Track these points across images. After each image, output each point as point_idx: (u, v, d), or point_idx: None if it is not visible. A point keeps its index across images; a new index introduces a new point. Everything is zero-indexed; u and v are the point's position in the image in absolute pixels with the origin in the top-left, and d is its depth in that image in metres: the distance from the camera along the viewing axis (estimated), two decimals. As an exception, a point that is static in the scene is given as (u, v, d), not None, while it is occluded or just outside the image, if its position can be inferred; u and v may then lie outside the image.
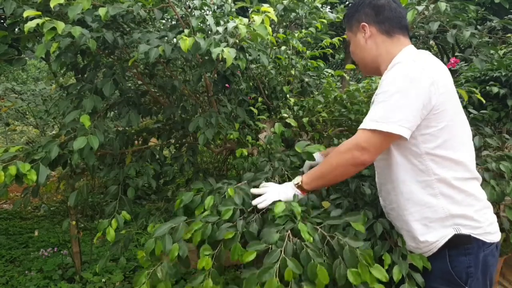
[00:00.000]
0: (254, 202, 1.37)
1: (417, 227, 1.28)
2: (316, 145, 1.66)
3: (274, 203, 1.34)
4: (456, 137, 1.26)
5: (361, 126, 1.25)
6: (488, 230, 1.27)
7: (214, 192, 1.49)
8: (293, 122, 1.96)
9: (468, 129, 1.34)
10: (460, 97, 2.21)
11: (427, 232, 1.27)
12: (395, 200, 1.34)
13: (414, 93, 1.18)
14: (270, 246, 1.20)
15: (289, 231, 1.24)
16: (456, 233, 1.25)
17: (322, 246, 1.24)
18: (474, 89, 2.13)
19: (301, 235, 1.22)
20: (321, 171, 1.35)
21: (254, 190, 1.43)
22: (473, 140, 1.92)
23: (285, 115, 2.05)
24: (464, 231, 1.25)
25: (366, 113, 1.64)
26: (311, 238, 1.21)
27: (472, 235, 1.25)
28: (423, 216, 1.27)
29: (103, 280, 2.86)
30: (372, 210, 1.44)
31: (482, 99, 2.11)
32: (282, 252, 1.17)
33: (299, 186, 1.40)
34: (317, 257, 1.17)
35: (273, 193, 1.39)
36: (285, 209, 1.30)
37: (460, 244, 1.25)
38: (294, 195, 1.39)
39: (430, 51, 5.57)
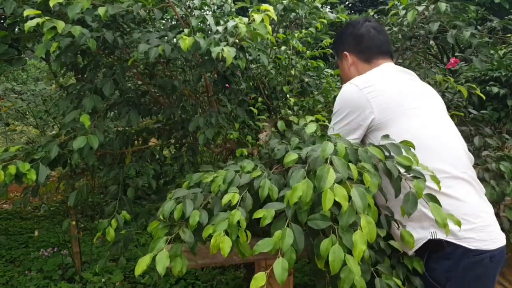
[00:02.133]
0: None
1: (405, 224, 1.28)
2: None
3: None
4: (421, 139, 1.27)
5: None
6: (471, 236, 1.21)
7: (229, 167, 1.40)
8: (295, 120, 1.96)
9: (440, 133, 1.35)
10: (460, 96, 2.21)
11: (411, 230, 1.25)
12: (380, 200, 1.35)
13: (347, 110, 1.37)
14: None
15: None
16: (432, 237, 1.23)
17: None
18: (474, 86, 2.13)
19: None
20: None
21: None
22: (473, 140, 1.93)
23: (289, 112, 2.06)
24: (440, 235, 1.22)
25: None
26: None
27: (451, 240, 1.21)
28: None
29: (103, 280, 2.86)
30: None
31: (482, 95, 2.11)
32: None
33: None
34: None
35: None
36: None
37: (439, 249, 1.24)
38: None
39: (430, 51, 5.57)
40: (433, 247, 1.24)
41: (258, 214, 1.08)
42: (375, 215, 1.02)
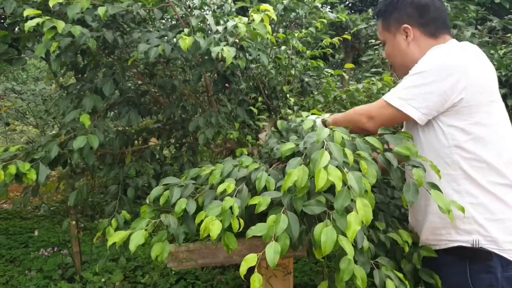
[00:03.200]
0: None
1: (434, 220, 1.21)
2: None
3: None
4: (491, 136, 1.16)
5: (384, 96, 1.25)
6: None
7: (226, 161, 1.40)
8: (292, 117, 1.96)
9: (508, 133, 1.22)
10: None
11: (443, 227, 1.20)
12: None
13: (438, 78, 1.14)
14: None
15: None
16: (475, 246, 1.14)
17: None
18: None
19: None
20: (338, 119, 1.38)
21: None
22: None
23: (288, 111, 2.06)
24: (484, 245, 1.14)
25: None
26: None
27: (494, 251, 1.14)
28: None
29: (103, 280, 2.86)
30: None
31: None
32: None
33: (324, 122, 1.42)
34: None
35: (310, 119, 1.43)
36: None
37: (480, 260, 1.15)
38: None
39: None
40: (473, 256, 1.16)
41: (254, 200, 1.08)
42: (372, 200, 1.01)
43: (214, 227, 1.03)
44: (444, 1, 1.95)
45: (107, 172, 1.93)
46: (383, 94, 1.94)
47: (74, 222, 2.72)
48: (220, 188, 1.14)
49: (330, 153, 1.02)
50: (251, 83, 2.24)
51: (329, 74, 2.51)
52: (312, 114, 1.61)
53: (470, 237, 1.15)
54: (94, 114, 1.66)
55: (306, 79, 2.42)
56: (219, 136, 1.88)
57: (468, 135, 1.16)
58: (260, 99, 2.17)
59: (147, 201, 1.25)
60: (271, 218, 1.00)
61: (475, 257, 1.16)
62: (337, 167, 0.99)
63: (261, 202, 1.07)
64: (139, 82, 2.19)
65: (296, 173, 1.01)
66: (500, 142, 1.18)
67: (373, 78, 2.14)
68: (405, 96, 1.19)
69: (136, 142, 2.15)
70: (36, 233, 3.70)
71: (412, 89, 1.18)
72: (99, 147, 1.56)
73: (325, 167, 0.97)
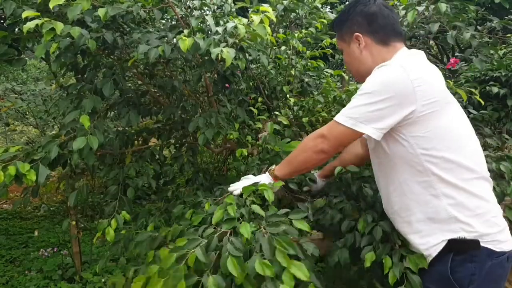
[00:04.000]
0: (230, 189, 1.44)
1: (420, 228, 1.25)
2: (293, 142, 1.69)
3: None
4: (452, 138, 1.22)
5: (335, 117, 1.28)
6: (498, 238, 1.20)
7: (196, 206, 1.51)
8: (284, 120, 1.96)
9: (468, 130, 1.29)
10: (460, 97, 2.21)
11: (430, 233, 1.24)
12: (398, 201, 1.31)
13: (384, 97, 1.18)
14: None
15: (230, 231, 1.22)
16: (460, 237, 1.19)
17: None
18: (473, 90, 2.13)
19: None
20: (289, 157, 1.41)
21: (232, 186, 1.48)
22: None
23: (277, 113, 2.06)
24: (470, 236, 1.19)
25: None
26: (249, 235, 1.17)
27: (480, 241, 1.19)
28: (426, 216, 1.24)
29: (103, 280, 2.86)
30: (373, 214, 1.43)
31: (481, 100, 2.11)
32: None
33: (271, 173, 1.44)
34: (236, 251, 1.13)
35: (248, 181, 1.44)
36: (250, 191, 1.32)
37: (466, 250, 1.20)
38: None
39: (430, 51, 5.57)
40: (458, 248, 1.20)
41: None
42: None
43: None
44: (443, 1, 1.95)
45: (107, 172, 1.93)
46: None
47: (74, 223, 2.72)
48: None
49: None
50: (251, 84, 2.24)
51: (329, 74, 2.51)
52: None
53: (456, 234, 1.20)
54: (94, 115, 1.66)
55: (306, 79, 2.42)
56: (219, 136, 1.88)
57: (431, 140, 1.20)
58: (260, 99, 2.17)
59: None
60: None
61: (460, 248, 1.20)
62: None
63: None
64: (139, 82, 2.20)
65: None
66: (459, 139, 1.23)
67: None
68: (355, 115, 1.22)
69: (136, 142, 2.15)
70: (36, 233, 3.69)
71: (361, 107, 1.21)
72: (99, 147, 1.56)
73: None
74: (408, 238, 1.31)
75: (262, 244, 1.14)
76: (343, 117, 1.24)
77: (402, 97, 1.17)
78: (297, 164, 1.38)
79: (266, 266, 1.08)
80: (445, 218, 1.20)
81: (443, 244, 1.21)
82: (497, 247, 1.19)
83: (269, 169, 1.46)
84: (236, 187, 1.42)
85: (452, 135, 1.22)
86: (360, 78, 1.42)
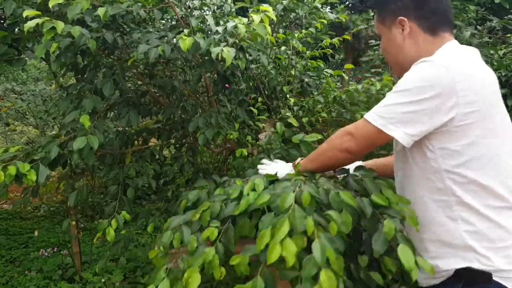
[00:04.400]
0: (259, 167, 1.38)
1: (430, 248, 1.11)
2: (313, 134, 1.63)
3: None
4: (489, 156, 1.04)
5: (365, 115, 1.14)
6: None
7: (221, 185, 1.43)
8: (294, 122, 1.96)
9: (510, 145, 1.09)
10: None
11: (439, 256, 1.09)
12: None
13: (422, 97, 1.02)
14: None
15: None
16: (472, 266, 1.03)
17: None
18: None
19: None
20: (314, 153, 1.28)
21: (264, 161, 1.43)
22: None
23: (287, 114, 2.06)
24: (484, 267, 1.03)
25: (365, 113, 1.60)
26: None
27: (494, 275, 1.02)
28: (438, 238, 1.09)
29: (103, 280, 2.86)
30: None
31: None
32: (298, 186, 1.13)
33: (295, 166, 1.34)
34: (334, 188, 1.12)
35: (272, 168, 1.35)
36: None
37: (477, 282, 1.03)
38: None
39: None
40: (468, 277, 1.05)
41: (233, 260, 1.11)
42: (340, 266, 1.00)
43: (193, 282, 1.11)
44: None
45: (107, 172, 1.93)
46: (383, 94, 1.95)
47: (74, 223, 2.72)
48: (204, 236, 1.18)
49: (291, 222, 1.02)
50: (251, 84, 2.24)
51: (329, 74, 2.51)
52: (316, 138, 1.60)
53: (469, 263, 1.05)
54: (94, 115, 1.66)
55: (306, 80, 2.42)
56: (219, 136, 1.88)
57: (462, 157, 1.04)
58: (260, 99, 2.17)
59: (160, 247, 1.26)
60: (248, 285, 1.02)
61: (471, 278, 1.05)
62: (301, 232, 1.01)
63: (240, 262, 1.10)
64: (139, 82, 2.20)
65: (267, 235, 1.02)
66: (497, 158, 1.06)
67: (372, 79, 2.14)
68: (386, 115, 1.07)
69: (136, 142, 2.15)
70: (36, 233, 3.70)
71: (394, 107, 1.07)
72: (99, 147, 1.56)
73: (282, 240, 0.99)
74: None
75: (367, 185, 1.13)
76: (373, 115, 1.09)
77: (442, 101, 1.01)
78: (322, 161, 1.24)
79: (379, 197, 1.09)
80: (459, 245, 1.05)
81: (453, 271, 1.07)
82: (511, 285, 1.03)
83: (294, 162, 1.35)
84: (265, 169, 1.35)
85: (490, 153, 1.04)
86: (399, 70, 1.23)
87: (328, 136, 2.12)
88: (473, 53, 1.14)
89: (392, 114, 1.07)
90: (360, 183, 1.16)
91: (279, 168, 1.35)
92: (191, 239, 1.20)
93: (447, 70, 1.02)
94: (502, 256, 1.03)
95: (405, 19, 1.16)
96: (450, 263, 1.07)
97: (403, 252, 1.02)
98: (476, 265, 1.03)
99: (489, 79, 1.09)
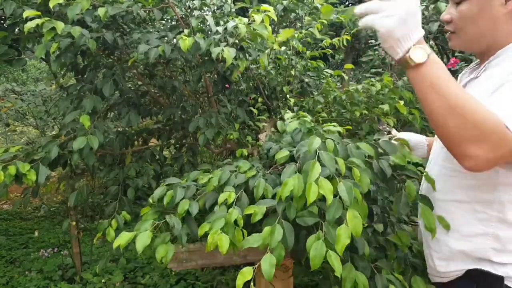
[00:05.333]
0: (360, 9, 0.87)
1: (444, 251, 1.05)
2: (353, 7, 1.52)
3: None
4: None
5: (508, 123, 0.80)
6: None
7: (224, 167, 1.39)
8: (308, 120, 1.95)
9: None
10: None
11: (452, 259, 1.04)
12: (437, 213, 1.07)
13: None
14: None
15: None
16: (485, 270, 0.98)
17: None
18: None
19: None
20: (467, 106, 0.80)
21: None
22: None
23: (288, 114, 2.05)
24: (496, 272, 0.98)
25: (365, 113, 1.58)
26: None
27: (508, 282, 0.96)
28: (460, 249, 1.02)
29: (103, 280, 2.86)
30: (376, 208, 1.33)
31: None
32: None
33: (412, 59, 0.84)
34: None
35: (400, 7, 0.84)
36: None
37: (491, 286, 0.99)
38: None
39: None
40: (479, 281, 1.01)
41: (249, 210, 1.08)
42: (364, 210, 1.00)
43: (223, 243, 1.04)
44: (443, 1, 1.95)
45: (107, 172, 1.93)
46: (383, 94, 1.95)
47: (74, 223, 2.72)
48: (222, 199, 1.15)
49: (322, 163, 1.01)
50: (251, 84, 2.24)
51: (329, 74, 2.51)
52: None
53: (480, 267, 1.00)
54: (94, 115, 1.66)
55: (306, 80, 2.42)
56: (219, 136, 1.88)
57: None
58: (260, 99, 2.17)
59: (150, 200, 1.24)
60: (266, 229, 1.00)
61: (485, 283, 1.00)
62: (329, 176, 0.99)
63: (257, 211, 1.07)
64: (139, 82, 2.20)
65: (291, 182, 1.01)
66: None
67: (372, 79, 2.14)
68: None
69: (136, 142, 2.15)
70: (36, 233, 3.70)
71: None
72: (99, 147, 1.56)
73: (316, 180, 0.97)
74: (426, 252, 1.14)
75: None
76: None
77: None
78: (443, 112, 0.81)
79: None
80: (479, 258, 0.99)
81: (463, 271, 1.03)
82: None
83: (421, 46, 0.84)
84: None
85: None
86: (468, 45, 1.04)
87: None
88: None
89: None
90: (376, 146, 1.14)
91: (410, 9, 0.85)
92: (183, 202, 1.18)
93: None
94: None
95: None
96: (460, 265, 1.02)
97: (425, 213, 1.04)
98: (487, 269, 0.98)
99: None
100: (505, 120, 0.79)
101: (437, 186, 1.06)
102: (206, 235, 1.09)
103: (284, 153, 1.17)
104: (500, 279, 0.97)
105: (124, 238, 1.12)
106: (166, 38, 1.63)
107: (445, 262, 1.05)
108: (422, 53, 0.82)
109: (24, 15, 1.40)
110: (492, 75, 0.93)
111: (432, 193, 1.08)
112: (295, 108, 2.16)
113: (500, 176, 0.92)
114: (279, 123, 1.83)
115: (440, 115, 0.81)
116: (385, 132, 1.40)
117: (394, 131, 1.41)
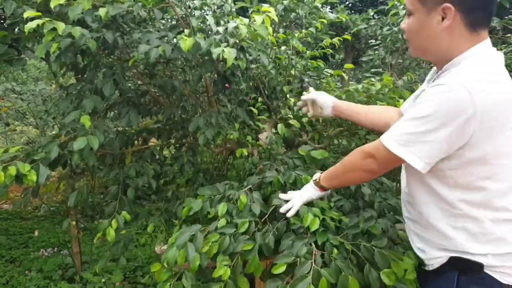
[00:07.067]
0: (282, 210, 1.37)
1: (428, 244, 1.19)
2: (321, 151, 1.67)
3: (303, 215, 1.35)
4: (503, 174, 1.05)
5: (382, 138, 1.12)
6: (509, 272, 1.07)
7: (225, 199, 1.49)
8: (295, 124, 1.96)
9: None
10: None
11: (436, 253, 1.16)
12: (413, 214, 1.23)
13: (443, 125, 0.99)
14: (299, 258, 1.21)
15: (313, 244, 1.26)
16: (465, 257, 1.09)
17: (347, 255, 1.25)
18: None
19: (324, 248, 1.24)
20: (338, 171, 1.30)
21: (282, 196, 1.42)
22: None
23: (289, 115, 2.05)
24: (475, 259, 1.08)
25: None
26: (336, 251, 1.23)
27: (488, 270, 1.07)
28: (438, 242, 1.15)
29: (103, 280, 2.85)
30: (371, 211, 1.44)
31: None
32: (313, 264, 1.19)
33: (317, 183, 1.36)
34: (347, 269, 1.18)
35: (297, 197, 1.37)
36: (316, 220, 1.30)
37: (472, 272, 1.08)
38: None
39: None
40: (461, 267, 1.10)
41: None
42: None
43: None
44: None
45: (107, 172, 1.93)
46: (382, 94, 1.95)
47: (74, 223, 2.72)
48: (216, 274, 1.23)
49: None
50: (251, 83, 2.24)
51: (329, 74, 2.51)
52: (322, 156, 1.64)
53: (461, 255, 1.10)
54: (94, 115, 1.66)
55: (306, 79, 2.42)
56: (219, 136, 1.88)
57: (474, 172, 1.05)
58: (260, 99, 2.17)
59: (164, 264, 1.30)
60: None
61: (467, 269, 1.10)
62: None
63: None
64: (139, 82, 2.20)
65: None
66: (509, 172, 1.06)
67: (372, 79, 2.14)
68: (406, 143, 1.05)
69: (136, 142, 2.15)
70: (36, 233, 3.69)
71: (415, 136, 1.03)
72: (99, 147, 1.56)
73: None
74: (414, 245, 1.26)
75: (376, 259, 1.23)
76: (394, 143, 1.08)
77: (463, 123, 0.97)
78: (347, 180, 1.30)
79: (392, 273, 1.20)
80: (456, 250, 1.11)
81: (446, 259, 1.13)
82: (505, 280, 1.07)
83: (313, 179, 1.38)
84: (289, 207, 1.36)
85: (501, 163, 1.04)
86: (419, 54, 1.20)
87: (328, 136, 2.12)
88: (500, 60, 1.07)
89: (412, 142, 1.05)
90: (371, 252, 1.23)
91: (303, 193, 1.38)
92: (194, 258, 1.26)
93: (469, 94, 0.96)
94: (497, 257, 1.07)
95: (453, 8, 1.02)
96: (442, 253, 1.14)
97: None
98: (467, 257, 1.08)
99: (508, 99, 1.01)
100: (385, 140, 1.11)
101: (410, 188, 1.22)
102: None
103: (314, 222, 1.30)
104: (480, 265, 1.07)
105: None
106: (166, 38, 1.63)
107: (427, 250, 1.18)
108: (317, 176, 1.38)
109: (25, 15, 1.40)
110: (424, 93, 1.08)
111: (405, 194, 1.27)
112: (295, 108, 2.16)
113: (450, 182, 1.08)
114: (279, 126, 1.83)
115: (341, 182, 1.34)
116: (304, 91, 1.72)
117: (311, 90, 1.70)
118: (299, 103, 1.76)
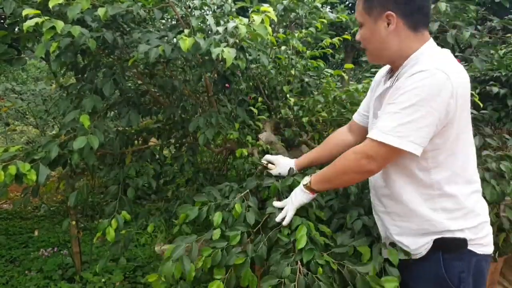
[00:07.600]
0: (277, 219, 1.38)
1: (410, 234, 1.27)
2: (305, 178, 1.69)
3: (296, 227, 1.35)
4: (465, 148, 1.20)
5: (374, 136, 1.15)
6: (481, 242, 1.23)
7: (220, 208, 1.48)
8: (285, 113, 1.95)
9: (472, 137, 1.26)
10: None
11: (421, 240, 1.24)
12: (392, 205, 1.30)
13: (432, 108, 1.08)
14: (283, 280, 1.21)
15: (299, 262, 1.25)
16: (449, 236, 1.21)
17: (332, 274, 1.24)
18: (472, 92, 2.13)
19: (309, 266, 1.24)
20: (329, 174, 1.30)
21: (276, 204, 1.43)
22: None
23: (289, 111, 2.05)
24: (458, 236, 1.21)
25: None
26: (321, 270, 1.22)
27: (468, 242, 1.22)
28: (421, 227, 1.24)
29: (103, 280, 2.86)
30: (359, 209, 1.45)
31: (480, 103, 2.10)
32: (296, 287, 1.18)
33: (307, 187, 1.35)
34: None
35: (289, 204, 1.38)
36: (303, 238, 1.29)
37: (455, 248, 1.21)
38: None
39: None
40: (446, 247, 1.22)
41: None
42: None
43: None
44: (443, 1, 1.95)
45: (107, 172, 1.93)
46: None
47: (74, 222, 2.72)
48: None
49: None
50: (251, 83, 2.24)
51: (329, 74, 2.51)
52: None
53: (445, 235, 1.22)
54: (94, 114, 1.66)
55: (306, 79, 2.42)
56: (219, 136, 1.88)
57: (448, 151, 1.17)
58: (260, 99, 2.17)
59: (162, 278, 1.32)
60: None
61: (449, 247, 1.21)
62: None
63: None
64: (139, 82, 2.20)
65: None
66: (470, 150, 1.23)
67: (372, 79, 2.14)
68: (403, 134, 1.11)
69: (136, 142, 2.15)
70: (36, 233, 3.69)
71: (411, 124, 1.10)
72: (99, 147, 1.56)
73: None
74: (395, 239, 1.30)
75: (356, 283, 1.24)
76: (389, 136, 1.12)
77: (443, 108, 1.09)
78: (340, 183, 1.33)
79: None
80: (440, 230, 1.22)
81: (431, 243, 1.23)
82: (480, 250, 1.22)
83: (303, 183, 1.37)
84: (283, 216, 1.37)
85: (465, 143, 1.21)
86: (375, 59, 1.33)
87: (328, 135, 2.12)
88: (450, 55, 1.21)
89: (408, 132, 1.11)
90: (354, 276, 1.23)
91: (294, 198, 1.38)
92: (190, 269, 1.30)
93: (447, 79, 1.08)
94: (471, 228, 1.21)
95: (394, 14, 1.18)
96: (427, 238, 1.23)
97: None
98: (450, 235, 1.20)
99: (468, 79, 1.18)
100: (377, 136, 1.15)
101: (388, 179, 1.28)
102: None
103: (303, 239, 1.29)
104: (464, 241, 1.20)
105: None
106: (166, 38, 1.63)
107: (412, 239, 1.25)
108: (307, 180, 1.36)
109: (23, 13, 1.40)
110: (398, 87, 1.16)
111: (381, 189, 1.32)
112: (295, 108, 2.16)
113: (430, 163, 1.18)
114: (287, 132, 1.82)
115: (334, 185, 1.36)
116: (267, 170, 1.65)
117: (271, 166, 1.64)
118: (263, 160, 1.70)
